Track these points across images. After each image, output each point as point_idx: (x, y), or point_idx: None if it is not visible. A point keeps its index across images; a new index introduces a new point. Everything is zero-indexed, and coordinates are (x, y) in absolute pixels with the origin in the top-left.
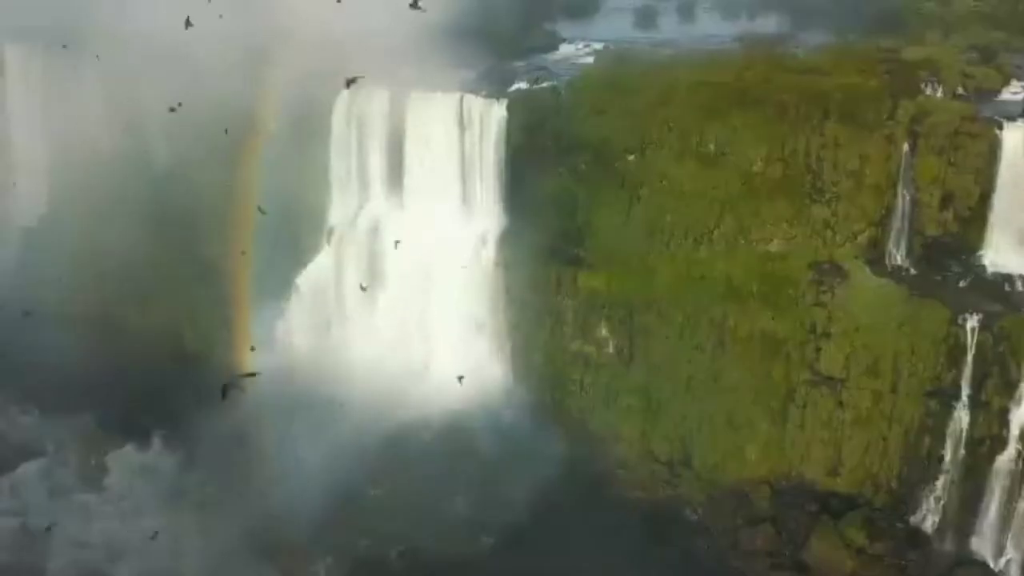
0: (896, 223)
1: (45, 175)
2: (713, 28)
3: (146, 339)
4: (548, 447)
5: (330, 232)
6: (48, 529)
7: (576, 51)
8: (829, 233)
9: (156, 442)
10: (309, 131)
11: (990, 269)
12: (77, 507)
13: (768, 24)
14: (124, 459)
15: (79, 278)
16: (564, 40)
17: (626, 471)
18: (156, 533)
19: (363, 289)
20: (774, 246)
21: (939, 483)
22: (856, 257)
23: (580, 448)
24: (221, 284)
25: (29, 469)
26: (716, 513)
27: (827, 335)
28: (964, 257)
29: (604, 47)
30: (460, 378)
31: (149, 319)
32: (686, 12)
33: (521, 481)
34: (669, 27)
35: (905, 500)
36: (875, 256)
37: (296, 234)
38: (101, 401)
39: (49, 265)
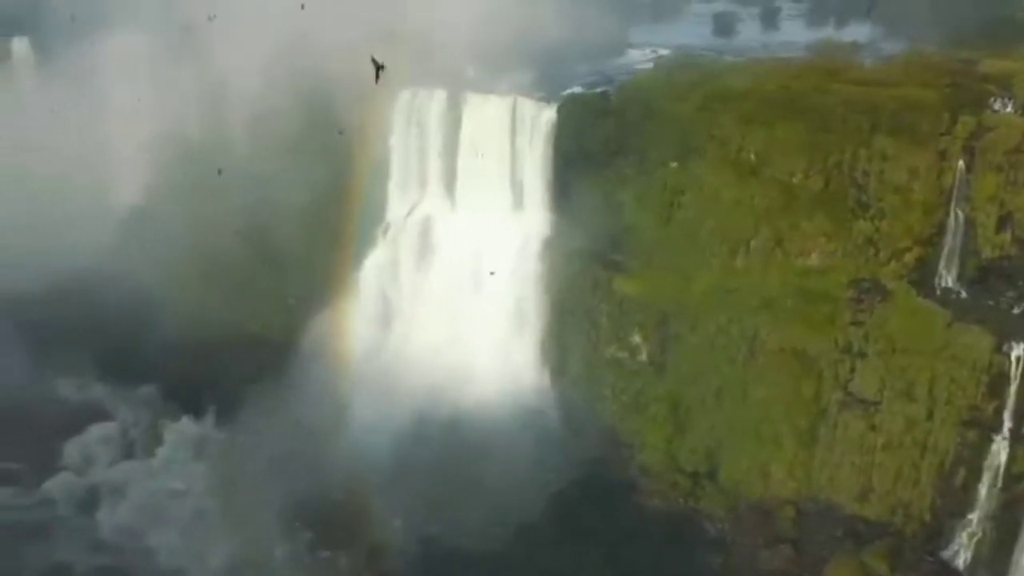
0: (948, 243)
1: (143, 165)
2: (792, 36)
3: (215, 319)
4: (576, 449)
5: (386, 228)
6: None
7: (641, 56)
8: (871, 250)
9: (210, 416)
10: (372, 129)
11: None
12: (133, 470)
13: (856, 32)
14: (179, 430)
15: (166, 262)
16: (631, 45)
17: (649, 479)
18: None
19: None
20: (812, 260)
21: (974, 518)
22: (901, 277)
23: (606, 452)
24: (286, 273)
25: (96, 432)
26: (737, 529)
27: (863, 355)
28: (1021, 282)
29: (670, 53)
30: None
31: (220, 301)
32: (768, 20)
33: (547, 480)
34: (748, 34)
35: (937, 533)
36: (922, 277)
37: (357, 228)
38: (167, 374)
39: (142, 249)
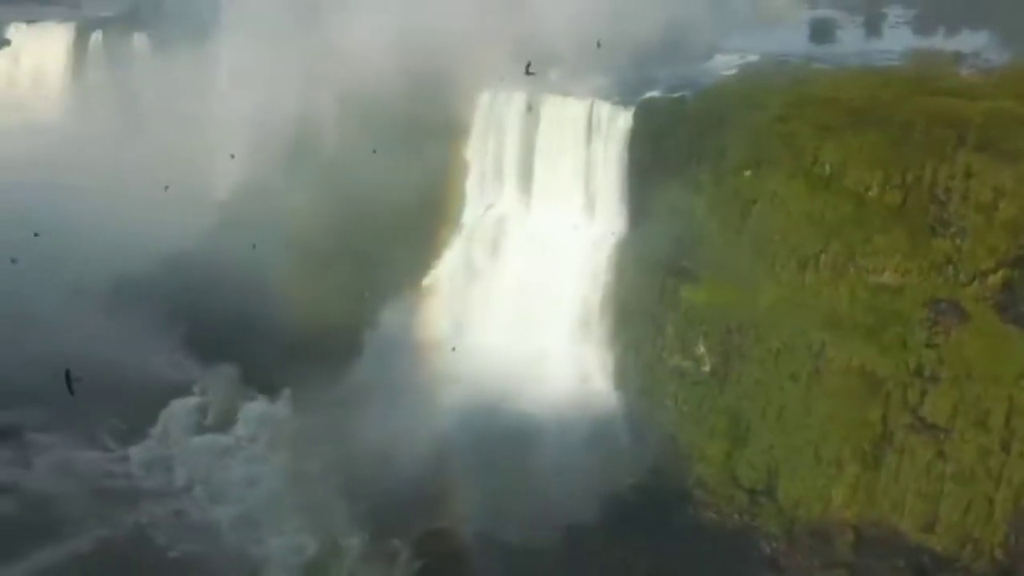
0: None
1: (241, 155)
2: (895, 44)
3: (296, 308)
4: (635, 455)
5: (462, 227)
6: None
7: (728, 62)
8: (950, 270)
9: (284, 399)
10: (452, 129)
11: None
12: (209, 445)
13: (966, 41)
14: (254, 410)
15: (255, 248)
16: (721, 50)
17: (705, 492)
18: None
19: None
20: (885, 278)
21: None
22: (983, 299)
23: (665, 461)
24: (365, 267)
25: (178, 406)
26: (792, 550)
27: (935, 379)
28: None
29: (758, 59)
30: None
31: (302, 289)
32: (872, 27)
33: (603, 484)
34: (848, 41)
35: (1009, 572)
36: (1007, 300)
37: (434, 226)
38: (247, 356)
39: (234, 235)
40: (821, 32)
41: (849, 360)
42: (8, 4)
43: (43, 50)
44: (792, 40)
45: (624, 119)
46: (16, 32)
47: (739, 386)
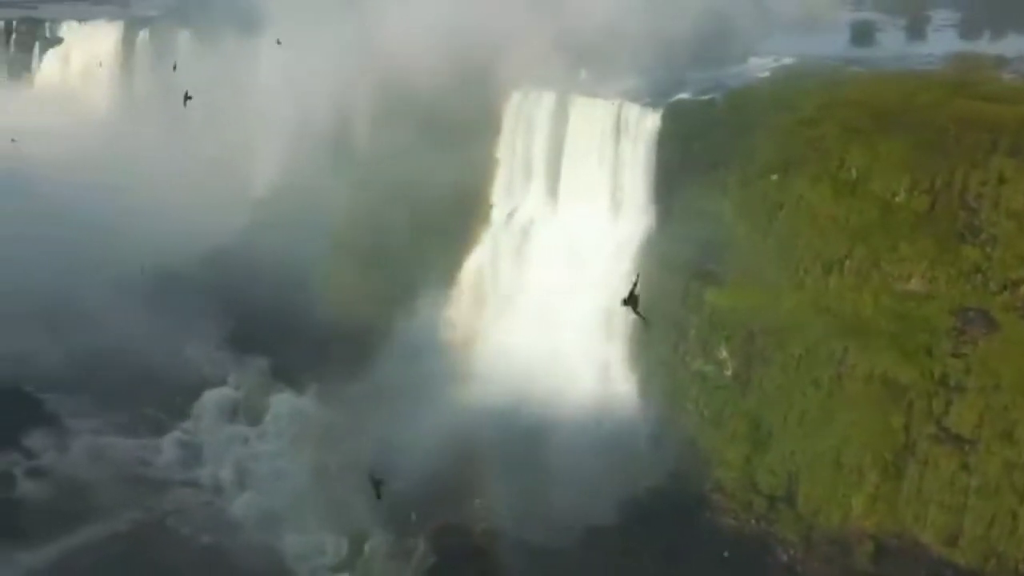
0: None
1: (278, 154)
2: (937, 47)
3: (328, 304)
4: (655, 459)
5: (490, 226)
6: None
7: (762, 64)
8: (979, 278)
9: (311, 394)
10: (486, 128)
11: None
12: (237, 436)
13: (1013, 46)
14: (283, 404)
15: (288, 246)
16: (756, 53)
17: (723, 497)
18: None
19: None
20: (912, 285)
21: None
22: (1013, 308)
23: (684, 466)
24: (395, 265)
25: (209, 397)
26: (810, 558)
27: (961, 389)
28: None
29: (792, 61)
30: None
31: (332, 286)
32: (915, 30)
33: (622, 487)
34: (889, 44)
35: None
36: None
37: (465, 225)
38: (278, 350)
39: (268, 233)
40: (861, 34)
41: (872, 367)
42: (60, 3)
43: (93, 48)
44: (831, 42)
45: (652, 120)
46: (68, 30)
47: (761, 391)
